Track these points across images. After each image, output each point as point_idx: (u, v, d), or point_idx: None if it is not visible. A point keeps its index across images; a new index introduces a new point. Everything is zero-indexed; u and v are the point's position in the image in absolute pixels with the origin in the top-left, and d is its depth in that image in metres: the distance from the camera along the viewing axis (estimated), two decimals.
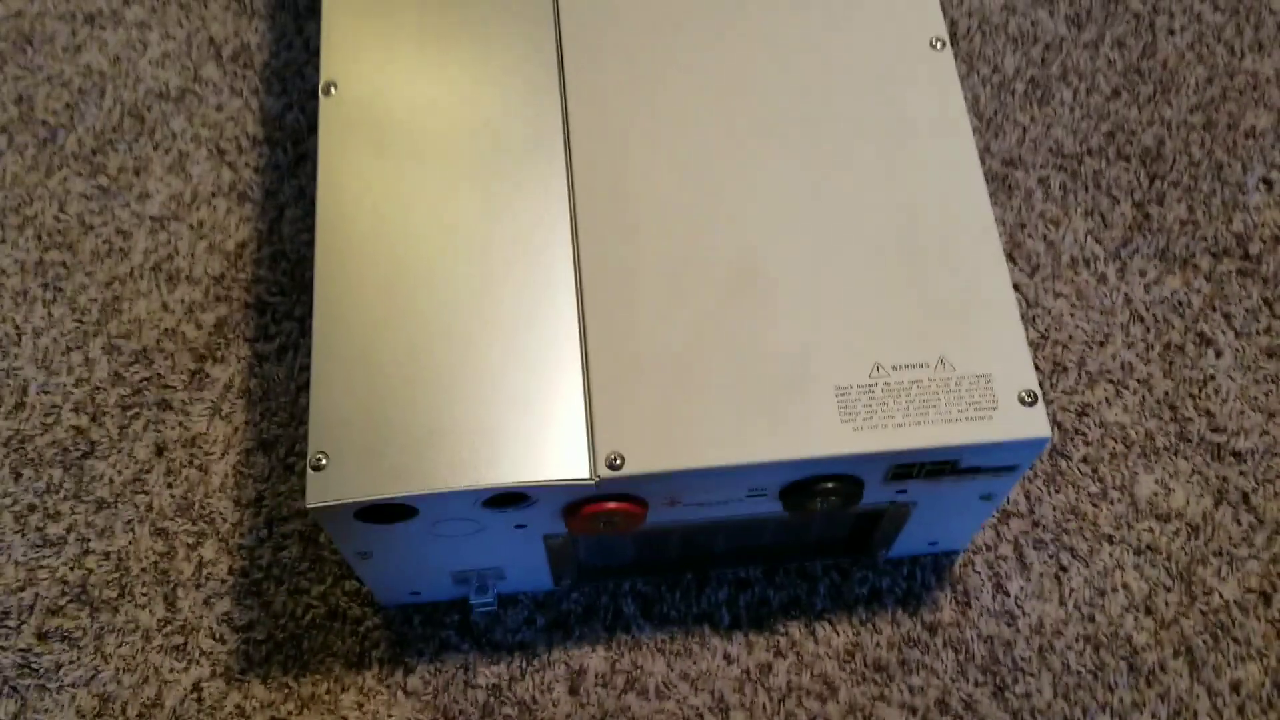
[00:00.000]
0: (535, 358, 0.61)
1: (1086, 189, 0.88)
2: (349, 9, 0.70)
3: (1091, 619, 0.74)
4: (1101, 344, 0.83)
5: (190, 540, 0.76)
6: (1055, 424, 0.80)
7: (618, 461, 0.59)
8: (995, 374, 0.61)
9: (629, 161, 0.66)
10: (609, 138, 0.67)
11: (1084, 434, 0.80)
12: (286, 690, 0.72)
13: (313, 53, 0.95)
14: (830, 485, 0.61)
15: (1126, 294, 0.84)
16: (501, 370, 0.61)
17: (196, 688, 0.72)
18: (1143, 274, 0.85)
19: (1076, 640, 0.73)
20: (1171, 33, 0.95)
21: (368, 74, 0.68)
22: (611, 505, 0.61)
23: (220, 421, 0.80)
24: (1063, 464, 0.79)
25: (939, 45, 0.69)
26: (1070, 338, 0.83)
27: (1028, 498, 0.77)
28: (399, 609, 0.74)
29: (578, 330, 0.62)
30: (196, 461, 0.79)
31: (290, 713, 0.71)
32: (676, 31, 0.70)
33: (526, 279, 0.63)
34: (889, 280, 0.63)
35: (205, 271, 0.85)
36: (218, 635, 0.74)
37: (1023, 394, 0.61)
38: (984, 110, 0.92)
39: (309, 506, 0.58)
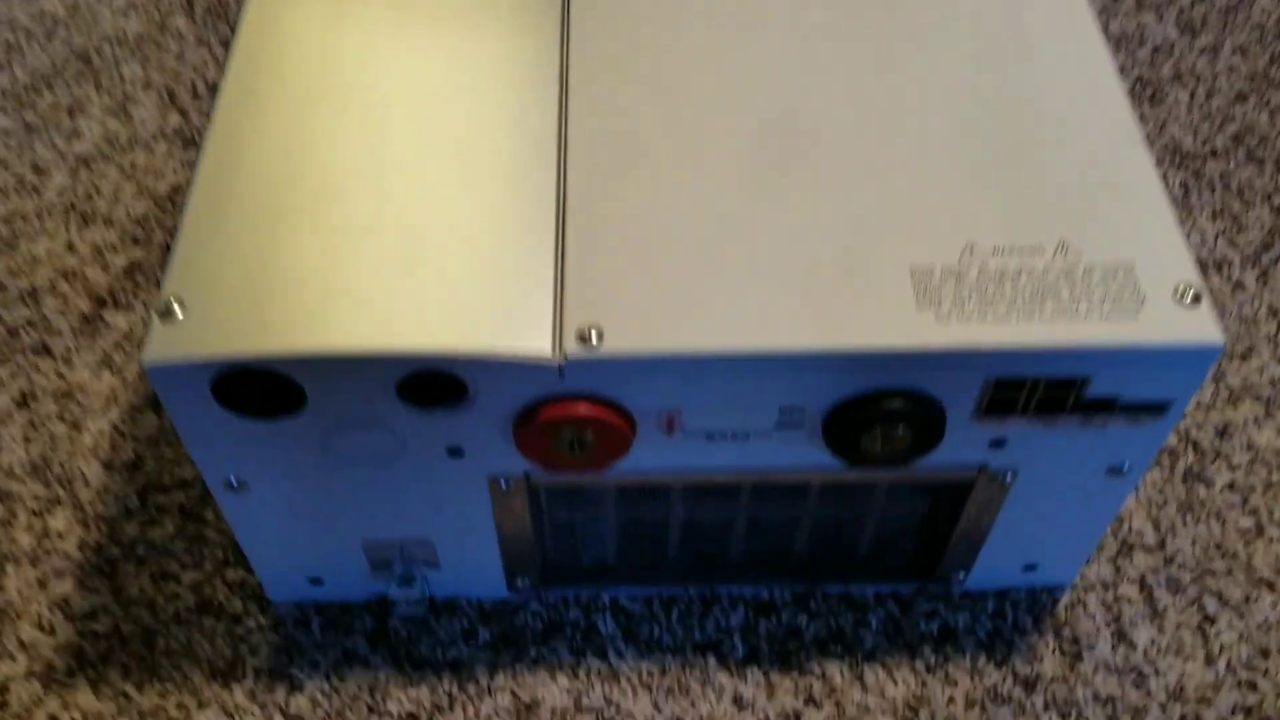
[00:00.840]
0: (491, 212, 0.44)
1: (1213, 190, 0.72)
2: None
3: (1253, 686, 0.53)
4: (1244, 357, 0.64)
5: (37, 506, 0.58)
6: (1191, 443, 0.61)
7: (593, 336, 0.41)
8: (1139, 263, 0.43)
9: (639, 19, 0.51)
10: None
11: (1228, 457, 0.60)
12: (123, 700, 0.52)
13: None
14: (898, 406, 0.43)
15: (1271, 304, 0.66)
16: (443, 223, 0.44)
17: (2, 689, 0.52)
18: None
19: (1233, 711, 0.52)
20: None
21: None
22: (583, 409, 0.42)
23: (108, 374, 0.63)
24: (1202, 490, 0.59)
25: None
26: None
27: (1157, 527, 0.57)
28: (294, 608, 0.55)
29: (556, 181, 0.45)
30: (68, 416, 0.61)
31: None
32: None
33: (494, 119, 0.47)
34: (985, 147, 0.46)
35: (127, 214, 0.70)
36: (46, 624, 0.54)
37: (1180, 289, 0.42)
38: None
39: (146, 364, 0.40)
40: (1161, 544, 0.57)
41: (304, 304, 0.41)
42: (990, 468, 0.47)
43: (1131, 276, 0.43)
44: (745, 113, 0.47)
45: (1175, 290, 0.42)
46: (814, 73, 0.48)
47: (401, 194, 0.44)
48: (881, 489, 0.50)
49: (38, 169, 0.72)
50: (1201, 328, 0.41)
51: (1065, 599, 0.55)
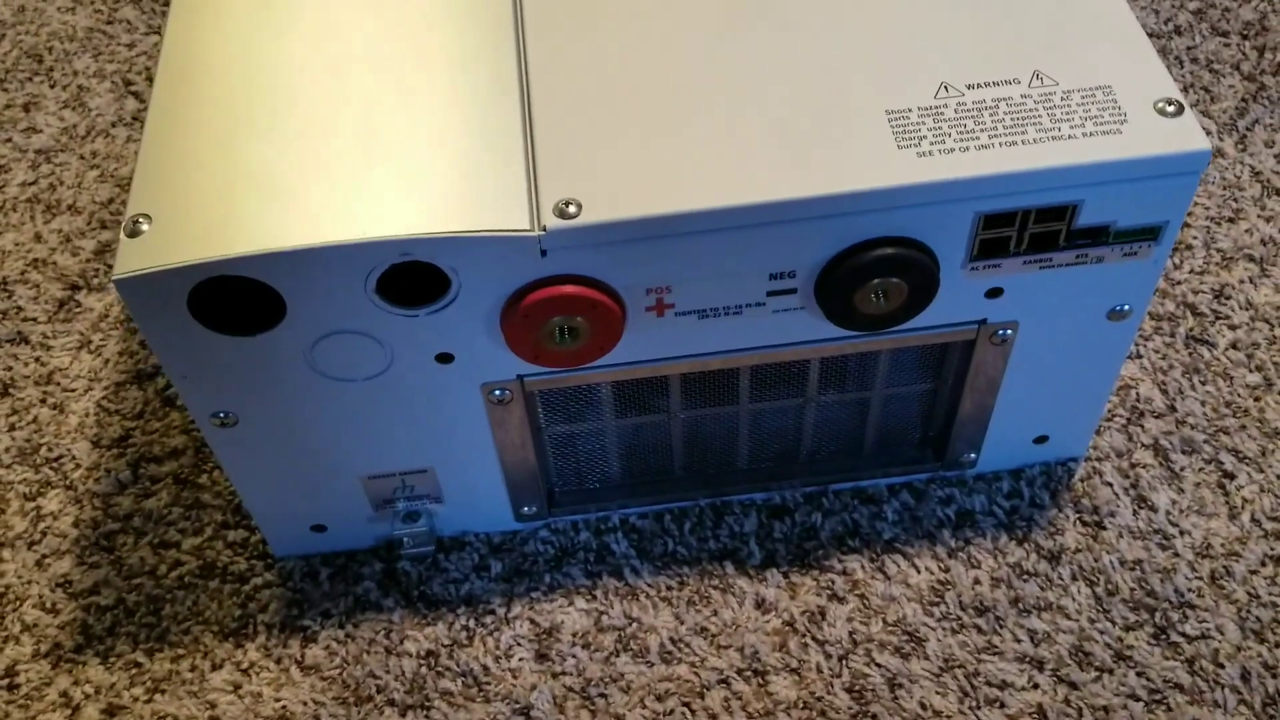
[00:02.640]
0: (457, 92, 0.43)
1: (1181, 65, 0.71)
2: None
3: (1279, 535, 0.52)
4: (1231, 220, 0.63)
5: (28, 490, 0.57)
6: (1189, 307, 0.60)
7: (572, 209, 0.40)
8: (1117, 84, 0.42)
9: None
10: None
11: (1228, 318, 0.59)
12: (134, 670, 0.50)
13: None
14: (890, 253, 0.42)
15: (1253, 166, 0.66)
16: (406, 112, 0.43)
17: (9, 672, 0.51)
18: (1270, 144, 0.67)
19: (1263, 562, 0.51)
20: None
21: None
22: (570, 289, 0.41)
23: (88, 355, 0.62)
24: (1206, 352, 0.58)
25: None
26: (1190, 215, 0.64)
27: (1165, 391, 0.56)
28: (300, 561, 0.53)
29: (517, 58, 0.44)
30: (51, 400, 0.60)
31: (136, 699, 0.50)
32: None
33: (445, 11, 0.46)
34: None
35: (92, 199, 0.69)
36: (48, 604, 0.53)
37: (1161, 103, 0.41)
38: None
39: (115, 279, 0.39)
40: (1171, 408, 0.56)
41: (273, 208, 0.40)
42: (990, 322, 0.46)
43: (1111, 96, 0.42)
44: None
45: (1156, 105, 0.41)
46: None
47: (360, 88, 0.44)
48: (883, 359, 0.48)
49: None
50: (1186, 136, 0.41)
51: (1080, 471, 0.54)
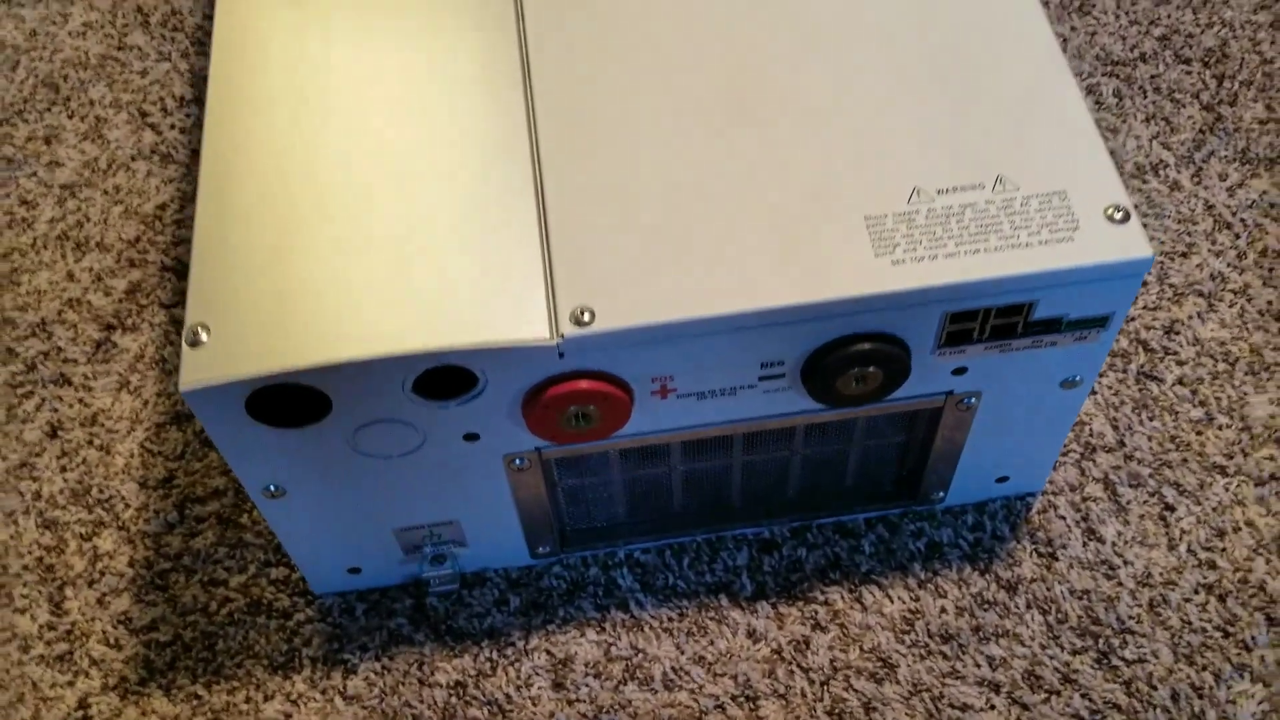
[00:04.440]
0: (477, 206, 0.48)
1: (1145, 94, 0.76)
2: None
3: (1212, 565, 0.58)
4: (1184, 255, 0.69)
5: (84, 531, 0.62)
6: (1140, 343, 0.65)
7: (586, 317, 0.45)
8: (1072, 190, 0.47)
9: None
10: None
11: (1175, 353, 0.65)
12: (195, 701, 0.56)
13: None
14: (867, 349, 0.47)
15: (1207, 200, 0.71)
16: (434, 223, 0.48)
17: (83, 705, 0.57)
18: (1223, 178, 0.72)
19: (1196, 591, 0.57)
20: None
21: None
22: (584, 385, 0.46)
23: (128, 396, 0.66)
24: (1154, 388, 0.64)
25: None
26: None
27: (1115, 427, 0.62)
28: (338, 597, 0.59)
29: (531, 169, 0.49)
30: (97, 441, 0.65)
31: None
32: None
33: (465, 120, 0.51)
34: (921, 92, 0.50)
35: (119, 236, 0.73)
36: (112, 640, 0.58)
37: (1110, 210, 0.47)
38: None
39: (183, 391, 0.44)
40: (1121, 443, 0.62)
41: (318, 317, 0.45)
42: (955, 393, 0.52)
43: (1065, 201, 0.47)
44: (699, 78, 0.51)
45: (1106, 212, 0.47)
46: (759, 33, 0.52)
47: (389, 198, 0.48)
48: (861, 424, 0.54)
49: (25, 202, 0.75)
50: (1132, 244, 0.46)
51: (1038, 504, 0.60)
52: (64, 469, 0.64)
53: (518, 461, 0.51)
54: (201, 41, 0.83)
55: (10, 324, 0.70)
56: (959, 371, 0.50)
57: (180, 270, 0.71)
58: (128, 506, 0.63)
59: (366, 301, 0.45)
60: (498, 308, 0.45)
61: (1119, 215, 0.46)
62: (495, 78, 0.52)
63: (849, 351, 0.47)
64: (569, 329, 0.45)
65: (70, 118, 0.79)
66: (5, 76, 0.82)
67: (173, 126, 0.78)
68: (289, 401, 0.46)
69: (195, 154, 0.77)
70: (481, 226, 0.47)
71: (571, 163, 0.49)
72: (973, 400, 0.52)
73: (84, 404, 0.66)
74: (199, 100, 0.79)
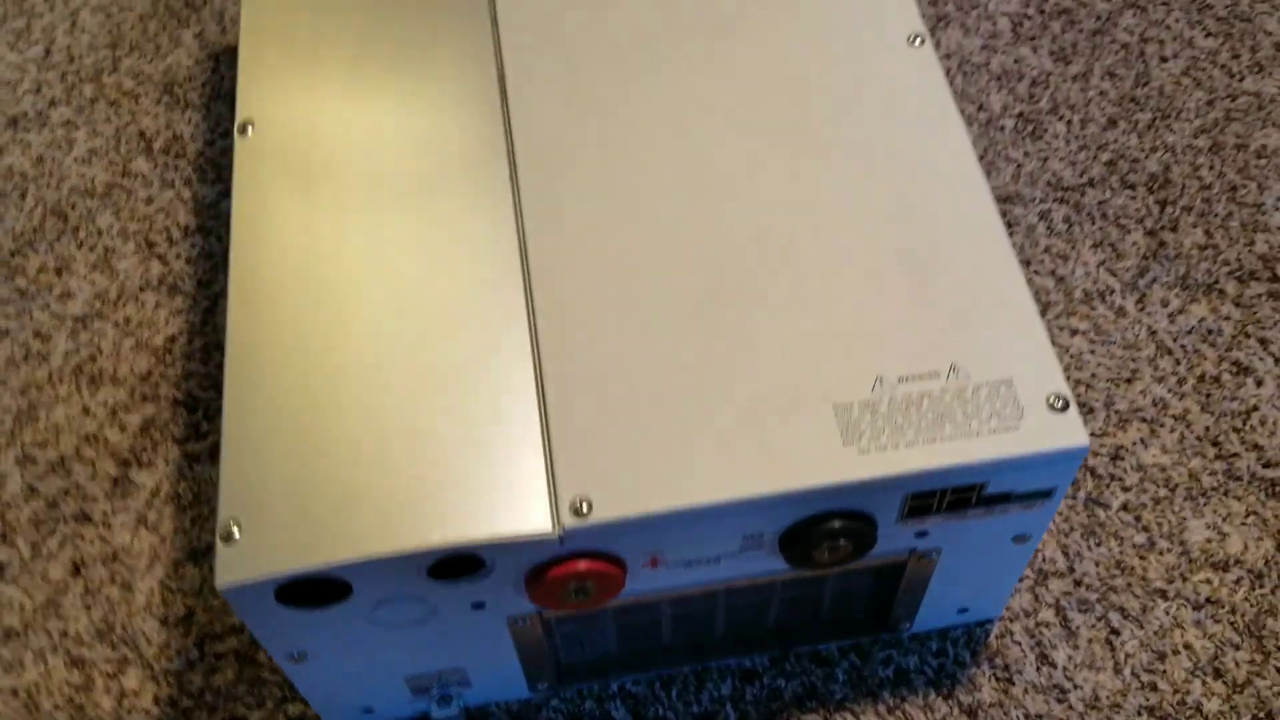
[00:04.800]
0: (483, 401, 0.53)
1: (1093, 220, 0.81)
2: (268, 43, 0.64)
3: (1153, 687, 0.63)
4: (1129, 381, 0.74)
5: (110, 669, 0.66)
6: (1089, 470, 0.71)
7: (584, 507, 0.50)
8: (1017, 378, 0.52)
9: (582, 179, 0.59)
10: (561, 152, 0.60)
11: (1121, 479, 0.70)
12: None
13: None
14: (838, 525, 0.52)
15: (1150, 326, 0.76)
16: (445, 418, 0.52)
17: None
18: (1165, 304, 0.77)
19: (1139, 713, 0.63)
20: (1164, 60, 0.89)
21: (289, 110, 0.61)
22: (582, 566, 0.51)
23: (146, 532, 0.71)
24: (1101, 514, 0.69)
25: (918, 42, 0.63)
26: (1093, 376, 0.74)
27: (1066, 554, 0.68)
28: None
29: (531, 365, 0.54)
30: (119, 578, 0.69)
31: None
32: (636, 46, 0.64)
33: (469, 313, 0.55)
34: (883, 285, 0.55)
35: (131, 370, 0.77)
36: None
37: (1051, 398, 0.52)
38: (974, 149, 0.85)
39: (220, 588, 0.49)
40: (1071, 569, 0.67)
41: (340, 512, 0.50)
42: (918, 550, 0.57)
43: (1011, 391, 0.52)
44: (684, 271, 0.56)
45: (1047, 400, 0.52)
46: (737, 226, 0.57)
47: (401, 389, 0.53)
48: (833, 577, 0.59)
49: (40, 335, 0.79)
50: (1070, 433, 0.51)
51: (996, 629, 0.65)
52: (88, 607, 0.68)
53: (520, 622, 0.56)
54: (203, 169, 0.87)
55: (31, 461, 0.74)
56: (921, 534, 0.55)
57: (191, 405, 0.76)
58: (150, 644, 0.67)
59: (383, 495, 0.50)
60: (504, 501, 0.50)
61: (1059, 404, 0.52)
62: (496, 266, 0.56)
63: (822, 528, 0.52)
64: (569, 519, 0.49)
65: (79, 247, 0.83)
66: (15, 206, 0.86)
67: (179, 256, 0.82)
68: (314, 587, 0.50)
69: (200, 285, 0.81)
70: (486, 412, 0.52)
71: (567, 355, 0.54)
72: (934, 555, 0.57)
73: (104, 541, 0.71)
74: (203, 230, 0.84)
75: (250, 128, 0.61)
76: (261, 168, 0.60)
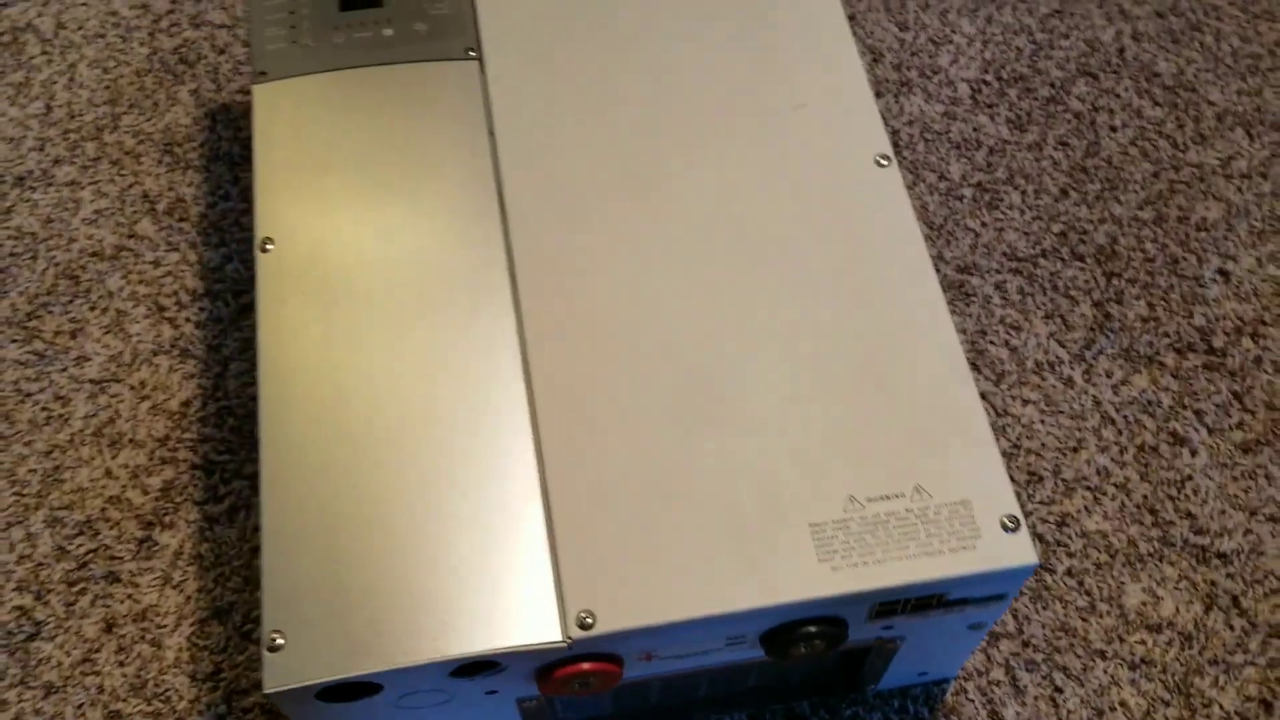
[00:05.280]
0: (496, 516, 0.59)
1: (1044, 291, 0.88)
2: (282, 163, 0.69)
3: None
4: (1075, 450, 0.81)
5: None
6: (1036, 536, 0.78)
7: (589, 621, 0.56)
8: (974, 499, 0.59)
9: (578, 300, 0.65)
10: (556, 275, 0.65)
11: (1066, 545, 0.78)
12: None
13: (249, 202, 0.93)
14: (813, 629, 0.59)
15: (1095, 396, 0.83)
16: (462, 531, 0.58)
17: None
18: (1109, 375, 0.84)
19: None
20: (1113, 129, 0.95)
21: (304, 228, 0.66)
22: (586, 666, 0.58)
23: (172, 591, 0.76)
24: (1048, 579, 0.76)
25: (884, 162, 0.69)
26: (1043, 445, 0.81)
27: (1015, 616, 0.75)
28: None
29: (538, 483, 0.60)
30: (149, 636, 0.75)
31: None
32: (621, 167, 0.69)
33: (480, 430, 0.61)
34: (854, 406, 0.61)
35: (149, 434, 0.82)
36: None
37: (1004, 519, 0.59)
38: (934, 217, 0.91)
39: (267, 692, 0.55)
40: (1020, 630, 0.74)
41: (373, 623, 0.56)
42: (883, 638, 0.64)
43: (970, 511, 0.59)
44: (674, 386, 0.62)
45: (1001, 521, 0.59)
46: (727, 349, 0.63)
47: (422, 508, 0.59)
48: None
49: (60, 398, 0.84)
50: (1020, 551, 0.58)
51: (951, 688, 0.73)
52: (122, 663, 0.74)
53: (527, 701, 0.63)
54: (206, 231, 0.91)
55: (60, 523, 0.79)
56: (887, 628, 0.62)
57: (208, 468, 0.81)
58: (181, 699, 0.73)
59: (411, 607, 0.56)
60: (518, 613, 0.56)
61: (1011, 525, 0.58)
62: (501, 381, 0.62)
63: (799, 631, 0.59)
64: (575, 632, 0.56)
65: (92, 309, 0.88)
66: (28, 267, 0.90)
67: (188, 320, 0.87)
68: (349, 688, 0.57)
69: (210, 349, 0.86)
70: (500, 529, 0.58)
71: (569, 472, 0.60)
72: (897, 641, 0.64)
73: (134, 600, 0.76)
74: (210, 294, 0.88)
75: (270, 244, 0.66)
76: (283, 284, 0.65)
